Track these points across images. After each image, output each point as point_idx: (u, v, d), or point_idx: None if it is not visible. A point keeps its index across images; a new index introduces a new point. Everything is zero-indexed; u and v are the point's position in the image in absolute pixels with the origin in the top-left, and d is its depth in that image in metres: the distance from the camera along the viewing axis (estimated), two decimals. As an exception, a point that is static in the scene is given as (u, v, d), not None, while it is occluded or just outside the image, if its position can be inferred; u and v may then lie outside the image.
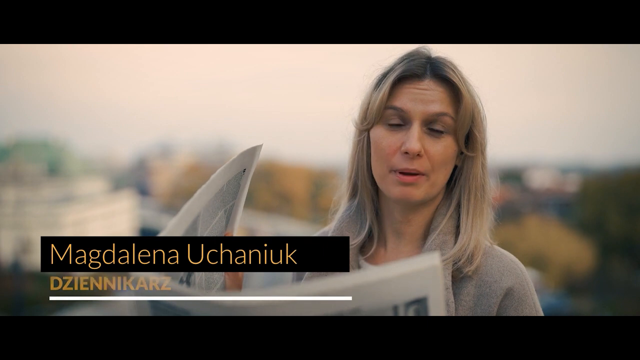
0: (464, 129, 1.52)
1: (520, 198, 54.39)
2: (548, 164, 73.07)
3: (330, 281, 0.92)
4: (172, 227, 1.18)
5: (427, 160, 1.49)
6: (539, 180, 62.69)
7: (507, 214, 42.31)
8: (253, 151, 1.45)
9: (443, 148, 1.51)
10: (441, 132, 1.51)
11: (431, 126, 1.51)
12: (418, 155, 1.48)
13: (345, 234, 1.61)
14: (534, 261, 35.17)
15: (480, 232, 1.53)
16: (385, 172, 1.52)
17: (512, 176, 62.58)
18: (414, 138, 1.48)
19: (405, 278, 0.93)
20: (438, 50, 1.58)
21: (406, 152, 1.48)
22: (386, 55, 1.58)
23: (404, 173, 1.49)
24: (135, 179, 76.71)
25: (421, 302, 0.95)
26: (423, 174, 1.50)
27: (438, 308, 0.96)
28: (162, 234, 1.15)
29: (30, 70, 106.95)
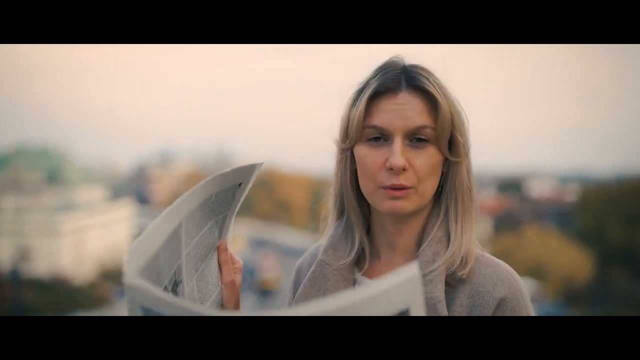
0: (444, 136, 1.51)
1: (519, 207, 54.36)
2: (547, 174, 73.11)
3: (317, 304, 0.92)
4: (149, 235, 1.15)
5: (412, 174, 1.48)
6: (539, 189, 62.71)
7: (506, 223, 42.26)
8: (252, 168, 1.43)
9: (427, 158, 1.49)
10: (423, 142, 1.49)
11: (412, 139, 1.49)
12: (403, 169, 1.47)
13: (338, 253, 1.60)
14: (533, 271, 35.12)
15: (470, 236, 1.52)
16: (373, 188, 1.51)
17: (512, 185, 62.63)
18: (397, 153, 1.47)
19: (387, 294, 0.93)
20: (413, 57, 1.56)
21: (391, 168, 1.47)
22: (369, 68, 1.57)
23: (392, 188, 1.48)
24: (134, 187, 76.70)
25: (404, 314, 0.95)
26: (411, 188, 1.48)
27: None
28: (138, 241, 1.13)
29: (31, 78, 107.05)
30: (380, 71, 1.54)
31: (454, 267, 1.48)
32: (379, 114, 1.50)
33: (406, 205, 1.49)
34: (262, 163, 1.45)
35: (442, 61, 1.56)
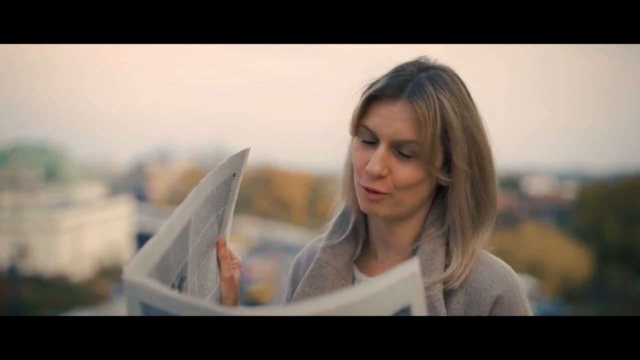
0: (427, 154, 1.46)
1: (517, 205, 54.36)
2: (546, 171, 73.12)
3: (317, 302, 0.92)
4: (163, 234, 1.16)
5: (389, 181, 1.47)
6: (537, 187, 62.69)
7: (505, 221, 42.23)
8: (242, 155, 1.44)
9: (409, 171, 1.47)
10: (409, 156, 1.47)
11: (399, 149, 1.47)
12: (380, 176, 1.47)
13: (333, 236, 1.62)
14: (532, 268, 35.13)
15: (473, 254, 1.50)
16: (356, 183, 1.52)
17: (510, 183, 62.54)
18: (376, 160, 1.46)
19: (389, 290, 0.94)
20: (441, 57, 1.54)
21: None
22: (384, 62, 1.55)
23: (367, 190, 1.49)
24: (132, 184, 76.65)
25: (405, 311, 0.95)
26: (385, 193, 1.48)
27: (421, 314, 0.97)
28: (152, 240, 1.13)
29: (29, 76, 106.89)
30: (392, 73, 1.51)
31: (451, 282, 1.48)
32: (373, 116, 1.49)
33: (380, 209, 1.49)
34: (249, 148, 1.45)
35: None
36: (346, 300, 0.92)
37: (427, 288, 1.46)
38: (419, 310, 0.97)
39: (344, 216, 1.64)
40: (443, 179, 1.50)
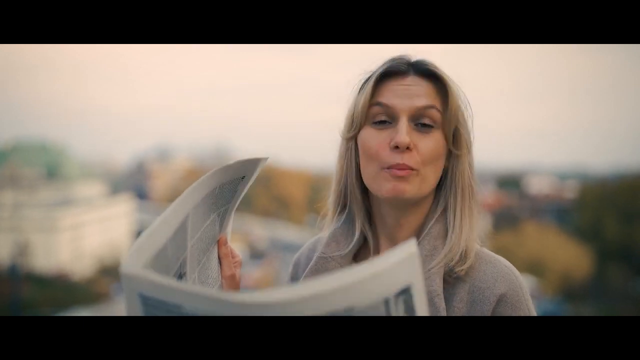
0: (451, 124, 1.51)
1: (518, 204, 54.43)
2: (546, 170, 73.18)
3: (322, 282, 0.92)
4: (157, 227, 1.15)
5: (417, 155, 1.48)
6: (538, 186, 62.72)
7: (505, 219, 42.25)
8: (257, 162, 1.43)
9: (433, 142, 1.49)
10: (429, 126, 1.50)
11: (419, 121, 1.50)
12: (408, 149, 1.47)
13: (339, 245, 1.61)
14: (532, 267, 35.14)
15: (470, 232, 1.51)
16: (376, 170, 1.50)
17: (511, 182, 62.64)
18: (403, 131, 1.47)
19: (392, 270, 0.94)
20: (441, 57, 1.57)
21: (396, 147, 1.47)
22: (378, 61, 1.58)
23: (396, 168, 1.48)
24: (133, 183, 76.61)
25: (407, 291, 0.95)
26: (414, 169, 1.48)
27: (421, 295, 0.97)
28: (147, 233, 1.13)
29: (29, 75, 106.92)
30: (388, 61, 1.55)
31: (453, 262, 1.48)
32: (386, 93, 1.51)
33: (407, 187, 1.48)
34: (267, 158, 1.45)
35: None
36: (347, 280, 0.91)
37: (426, 281, 1.45)
38: (419, 291, 0.97)
39: (348, 224, 1.63)
40: (454, 150, 1.53)
